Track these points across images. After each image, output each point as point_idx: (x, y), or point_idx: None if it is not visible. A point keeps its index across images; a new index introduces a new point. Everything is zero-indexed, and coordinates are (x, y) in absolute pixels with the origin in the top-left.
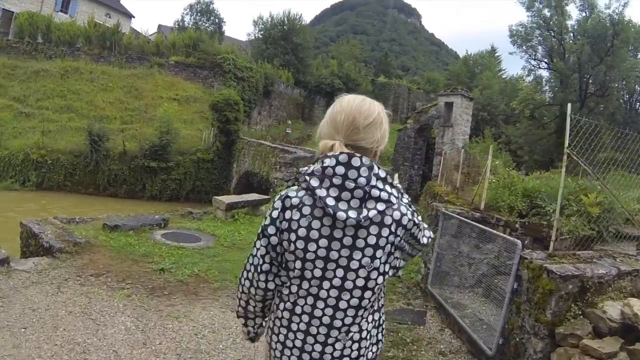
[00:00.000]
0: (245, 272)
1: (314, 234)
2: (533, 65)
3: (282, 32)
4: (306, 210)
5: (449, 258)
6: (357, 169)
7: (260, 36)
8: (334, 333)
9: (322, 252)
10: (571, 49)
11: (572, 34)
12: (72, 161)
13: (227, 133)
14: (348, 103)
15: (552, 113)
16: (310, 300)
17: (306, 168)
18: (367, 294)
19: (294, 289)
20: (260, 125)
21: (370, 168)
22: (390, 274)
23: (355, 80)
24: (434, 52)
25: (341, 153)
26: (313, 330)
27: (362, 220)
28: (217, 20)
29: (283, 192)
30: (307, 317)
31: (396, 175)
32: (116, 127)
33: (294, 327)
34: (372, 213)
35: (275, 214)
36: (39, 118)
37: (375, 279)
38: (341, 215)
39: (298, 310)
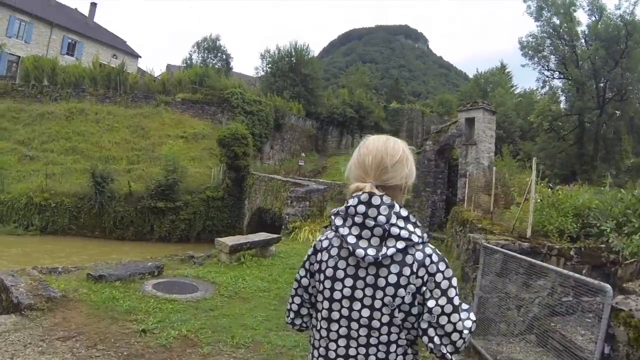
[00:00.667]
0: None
1: (340, 274)
2: (547, 76)
3: (290, 64)
4: (334, 251)
5: (493, 302)
6: (377, 207)
7: (269, 69)
8: None
9: (347, 292)
10: (584, 55)
11: (583, 40)
12: (76, 204)
13: (237, 169)
14: (374, 144)
15: (571, 124)
16: (342, 342)
17: (336, 210)
18: (395, 329)
19: (324, 332)
20: (273, 159)
21: (391, 207)
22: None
23: (367, 108)
24: (443, 75)
25: (363, 192)
26: None
27: (380, 258)
28: (224, 56)
29: (319, 237)
30: (333, 353)
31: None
32: (122, 167)
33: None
34: (391, 251)
35: (306, 257)
36: (43, 161)
37: (400, 317)
38: (360, 252)
39: (332, 355)
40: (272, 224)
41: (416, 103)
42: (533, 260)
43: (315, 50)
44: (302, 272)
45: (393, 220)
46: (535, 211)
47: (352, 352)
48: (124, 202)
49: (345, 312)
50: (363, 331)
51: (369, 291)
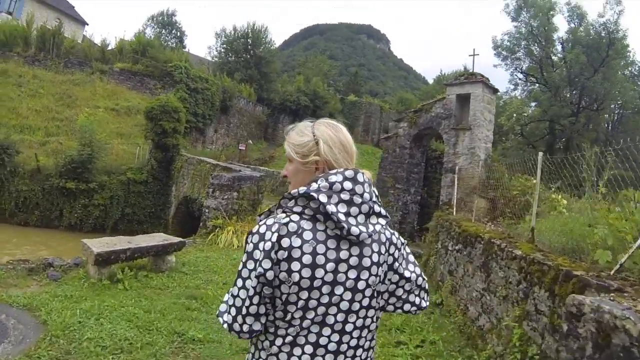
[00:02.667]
0: (226, 318)
1: (320, 259)
2: (519, 79)
3: (246, 45)
4: (307, 235)
5: None
6: (362, 184)
7: (222, 50)
8: (340, 358)
9: (329, 277)
10: (565, 58)
11: (560, 46)
12: None
13: (164, 148)
14: (345, 131)
15: (541, 130)
16: (315, 328)
17: (292, 192)
18: (371, 312)
19: (296, 322)
20: (216, 145)
21: (370, 184)
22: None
23: (323, 98)
24: (402, 77)
25: (346, 169)
26: None
27: (372, 235)
28: (178, 33)
29: (269, 222)
30: (311, 347)
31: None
32: (38, 139)
33: None
34: (378, 227)
35: (268, 245)
36: None
37: (377, 298)
38: (355, 230)
39: (301, 341)
40: (200, 217)
41: (375, 98)
42: None
43: (277, 42)
44: (267, 264)
45: (374, 197)
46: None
47: (322, 340)
48: (30, 180)
49: (324, 299)
50: (340, 317)
51: (352, 273)
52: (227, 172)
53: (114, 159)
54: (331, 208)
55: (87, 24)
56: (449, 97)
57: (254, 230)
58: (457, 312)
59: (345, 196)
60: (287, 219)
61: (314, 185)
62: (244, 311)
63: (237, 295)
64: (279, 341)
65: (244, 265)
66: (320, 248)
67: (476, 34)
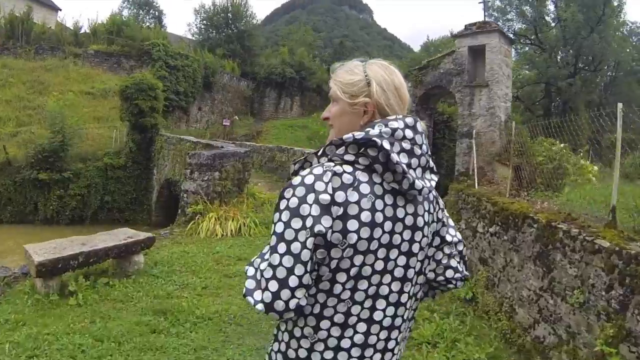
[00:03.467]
0: (264, 296)
1: (379, 217)
2: (512, 39)
3: (226, 19)
4: (364, 188)
5: None
6: (421, 134)
7: (202, 26)
8: (394, 334)
9: (385, 239)
10: (561, 16)
11: (553, 5)
12: None
13: (142, 129)
14: (399, 73)
15: (537, 93)
16: (368, 302)
17: (345, 137)
18: (421, 279)
19: (346, 294)
20: (200, 123)
21: (427, 136)
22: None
23: (309, 69)
24: (387, 46)
25: (406, 116)
26: (372, 339)
27: (432, 191)
28: (156, 12)
29: (317, 170)
30: (364, 325)
31: None
32: (8, 130)
33: (345, 344)
34: (433, 184)
35: (325, 198)
36: None
37: (424, 263)
38: (418, 184)
39: (352, 320)
40: None
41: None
42: None
43: (258, 18)
44: (327, 221)
45: (429, 151)
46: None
47: (377, 315)
48: (0, 173)
49: (379, 265)
50: (396, 286)
51: (407, 234)
52: (208, 149)
53: (90, 145)
54: (395, 157)
55: (60, 9)
56: (459, 51)
57: (296, 181)
58: (500, 315)
59: (406, 145)
60: (340, 168)
61: (374, 131)
62: (291, 282)
63: (280, 264)
64: (325, 324)
65: (287, 225)
66: (379, 204)
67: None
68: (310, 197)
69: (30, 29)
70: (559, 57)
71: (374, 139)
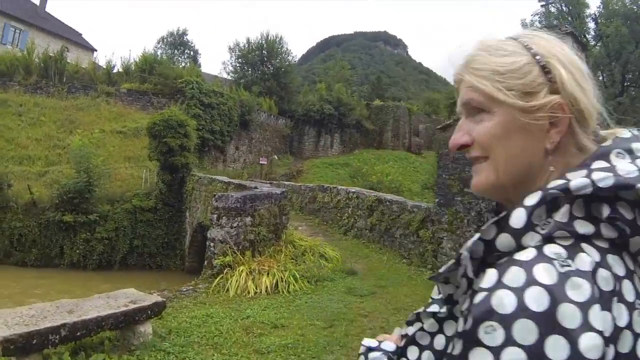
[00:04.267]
0: None
1: None
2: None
3: (261, 56)
4: (628, 291)
5: None
6: None
7: (237, 65)
8: None
9: None
10: (604, 32)
11: (594, 22)
12: None
13: (172, 169)
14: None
15: None
16: None
17: (559, 185)
18: None
19: None
20: (238, 163)
21: None
22: None
23: (348, 105)
24: (423, 80)
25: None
26: None
27: None
28: (192, 52)
29: (544, 273)
30: None
31: None
32: (37, 170)
33: None
34: None
35: (595, 343)
36: None
37: None
38: None
39: None
40: None
41: (401, 102)
42: None
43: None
44: None
45: None
46: None
47: None
48: (24, 214)
49: None
50: None
51: None
52: (239, 190)
53: (119, 186)
54: None
55: (96, 50)
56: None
57: (501, 303)
58: None
59: None
60: (584, 261)
61: (624, 167)
62: None
63: None
64: None
65: None
66: None
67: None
68: (555, 344)
69: (63, 68)
70: (605, 76)
71: (632, 182)
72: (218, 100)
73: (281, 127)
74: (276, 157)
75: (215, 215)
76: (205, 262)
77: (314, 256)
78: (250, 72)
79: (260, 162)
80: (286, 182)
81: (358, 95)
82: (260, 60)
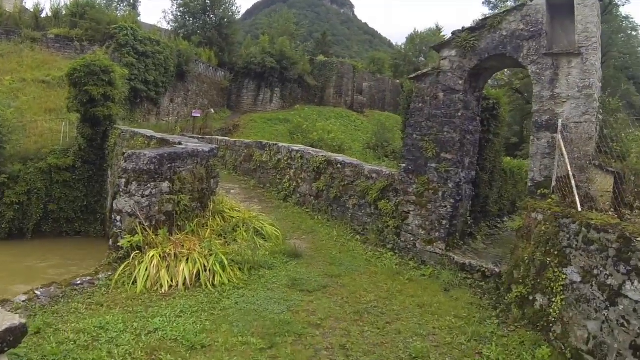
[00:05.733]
0: None
1: None
2: None
3: (204, 5)
4: None
5: None
6: None
7: (179, 13)
8: None
9: None
10: None
11: None
12: None
13: (94, 122)
14: None
15: None
16: None
17: None
18: None
19: None
20: (172, 116)
21: None
22: None
23: (291, 59)
24: (367, 41)
25: None
26: None
27: None
28: (131, 0)
29: None
30: None
31: None
32: None
33: None
34: None
35: None
36: None
37: None
38: None
39: None
40: None
41: (346, 58)
42: None
43: (238, 5)
44: None
45: None
46: None
47: None
48: None
49: None
50: None
51: None
52: (160, 147)
53: (35, 142)
54: None
55: None
56: (533, 4)
57: None
58: None
59: None
60: None
61: None
62: None
63: None
64: None
65: None
66: None
67: None
68: None
69: None
70: None
71: None
72: (154, 49)
73: (220, 80)
74: (213, 111)
75: (123, 180)
76: (110, 242)
77: (247, 233)
78: (191, 21)
79: (193, 115)
80: (220, 138)
81: (302, 51)
82: (203, 9)
